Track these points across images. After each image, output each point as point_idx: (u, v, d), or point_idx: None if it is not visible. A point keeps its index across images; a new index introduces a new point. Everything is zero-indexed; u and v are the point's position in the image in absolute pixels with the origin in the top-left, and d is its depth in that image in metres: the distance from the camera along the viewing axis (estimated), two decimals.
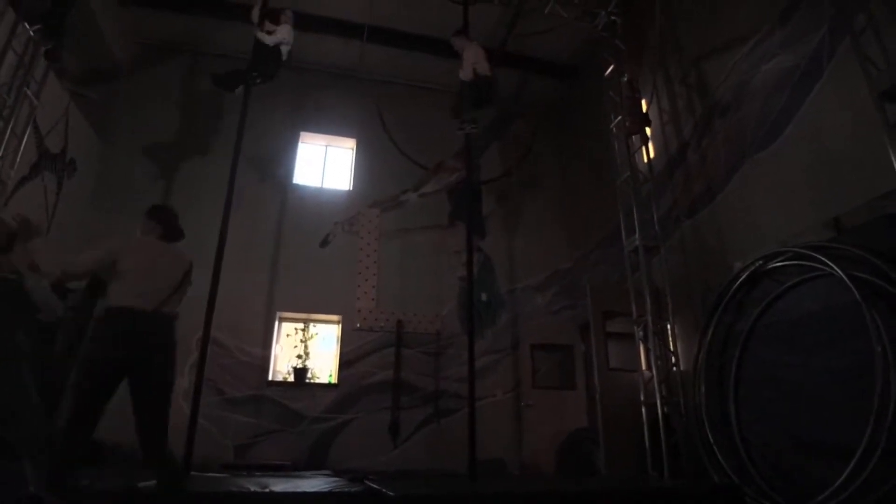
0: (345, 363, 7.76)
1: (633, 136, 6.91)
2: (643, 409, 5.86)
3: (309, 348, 7.74)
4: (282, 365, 7.77)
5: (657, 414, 5.66)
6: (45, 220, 6.56)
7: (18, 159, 5.57)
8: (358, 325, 7.91)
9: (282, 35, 6.33)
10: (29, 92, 5.62)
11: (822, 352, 4.05)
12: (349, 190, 8.93)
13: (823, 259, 4.06)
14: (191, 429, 4.69)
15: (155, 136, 8.25)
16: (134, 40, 8.49)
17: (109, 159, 7.91)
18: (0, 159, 5.23)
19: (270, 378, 7.54)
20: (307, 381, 7.61)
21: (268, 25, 6.38)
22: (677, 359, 6.03)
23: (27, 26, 5.60)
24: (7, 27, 5.53)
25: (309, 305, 7.97)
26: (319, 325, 8.08)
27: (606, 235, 7.88)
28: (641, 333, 6.21)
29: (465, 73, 6.40)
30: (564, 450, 7.20)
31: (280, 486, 3.84)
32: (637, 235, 6.39)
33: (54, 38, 5.78)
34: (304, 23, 7.89)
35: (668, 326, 6.18)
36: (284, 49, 6.39)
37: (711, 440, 4.88)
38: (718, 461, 4.75)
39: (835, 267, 3.93)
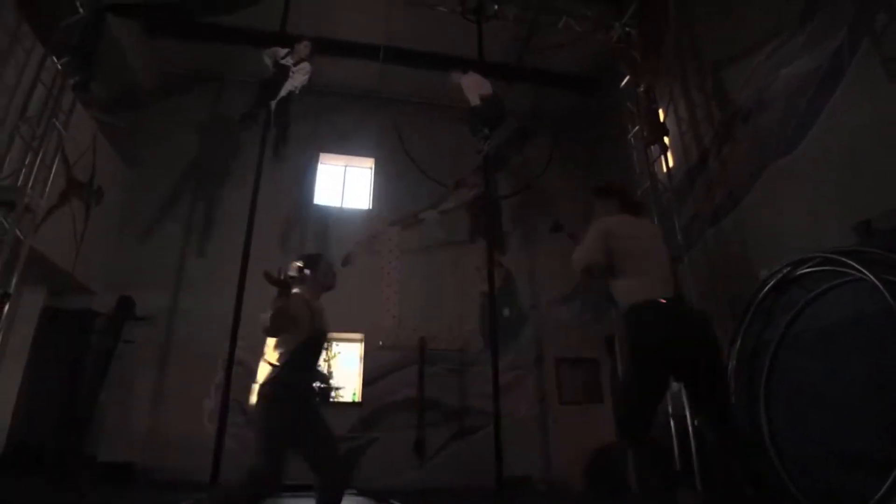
0: (368, 381, 7.75)
1: (652, 146, 6.87)
2: (671, 422, 5.74)
3: (332, 367, 7.76)
4: None
5: (687, 426, 5.54)
6: (75, 248, 6.72)
7: (48, 189, 5.72)
8: (381, 343, 7.91)
9: (304, 75, 6.39)
10: (57, 123, 5.79)
11: (854, 360, 3.92)
12: (369, 209, 9.00)
13: (854, 264, 3.95)
14: (217, 449, 4.72)
15: (179, 163, 8.43)
16: (159, 70, 8.73)
17: (136, 186, 8.10)
18: (30, 189, 5.37)
19: None
20: (331, 400, 7.61)
21: (284, 52, 6.40)
22: None
23: (55, 60, 5.79)
24: (36, 61, 5.74)
25: (332, 324, 7.94)
26: (342, 344, 8.10)
27: None
28: None
29: (473, 100, 6.55)
30: (593, 465, 7.08)
31: None
32: None
33: (82, 70, 5.96)
34: (321, 46, 8.06)
35: None
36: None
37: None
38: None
39: (866, 272, 3.82)
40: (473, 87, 6.66)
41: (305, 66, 6.42)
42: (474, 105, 6.68)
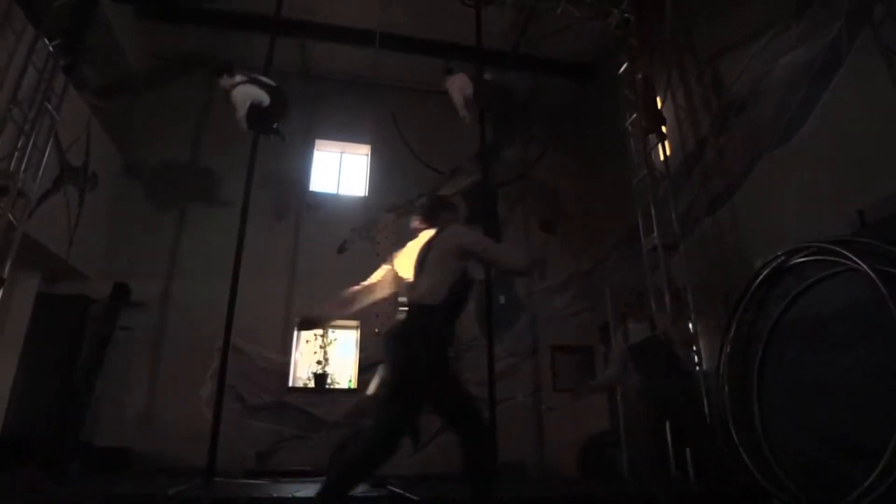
0: (364, 368, 7.77)
1: (649, 135, 6.85)
2: None
3: (328, 354, 7.77)
4: (302, 371, 7.81)
5: None
6: (69, 234, 6.69)
7: (41, 173, 5.66)
8: (377, 329, 7.90)
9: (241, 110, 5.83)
10: (49, 106, 5.71)
11: (847, 349, 3.95)
12: (365, 196, 8.97)
13: (847, 254, 3.96)
14: (213, 436, 4.73)
15: (174, 148, 8.38)
16: (152, 54, 8.63)
17: (129, 171, 8.04)
18: (23, 173, 5.32)
19: (291, 384, 7.58)
20: (327, 386, 7.64)
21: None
22: (700, 358, 5.94)
23: (47, 42, 5.71)
24: (27, 43, 5.65)
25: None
26: (338, 331, 8.11)
27: (625, 236, 7.80)
28: None
29: (458, 101, 6.72)
30: (586, 452, 7.14)
31: (302, 491, 3.85)
32: (655, 234, 6.33)
33: (73, 52, 5.87)
34: (316, 32, 7.99)
35: (690, 326, 6.09)
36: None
37: (736, 441, 4.79)
38: (744, 462, 4.67)
39: (859, 261, 3.83)
40: (458, 88, 6.69)
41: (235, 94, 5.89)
42: (466, 113, 6.78)
